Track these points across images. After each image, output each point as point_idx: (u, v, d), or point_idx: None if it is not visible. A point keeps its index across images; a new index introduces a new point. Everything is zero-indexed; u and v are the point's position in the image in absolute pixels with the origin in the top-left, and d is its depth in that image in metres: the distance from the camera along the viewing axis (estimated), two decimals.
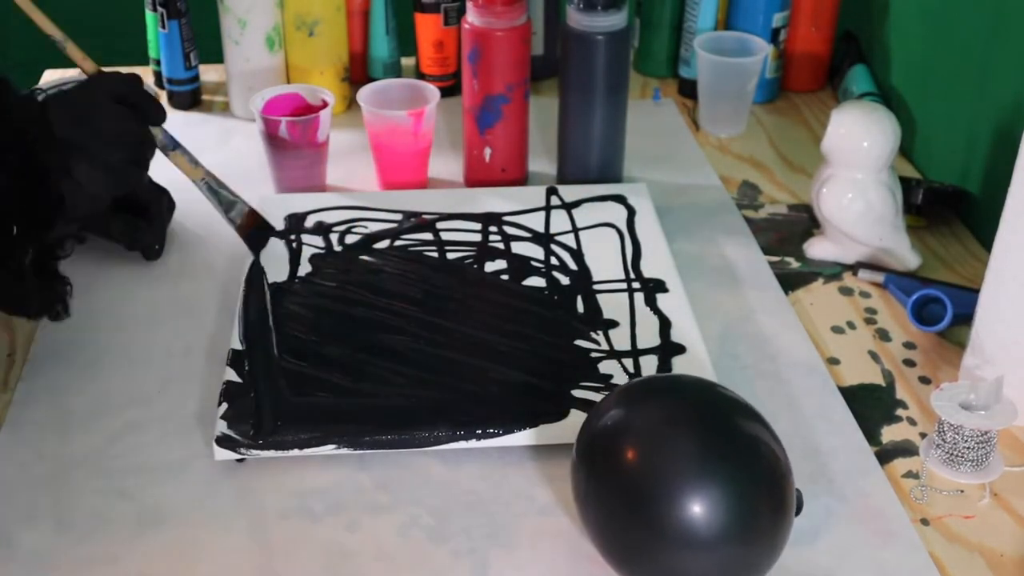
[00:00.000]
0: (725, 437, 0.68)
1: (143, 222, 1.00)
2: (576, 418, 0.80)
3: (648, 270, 0.99)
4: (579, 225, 1.06)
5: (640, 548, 0.68)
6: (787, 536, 0.69)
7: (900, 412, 0.88)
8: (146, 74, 1.28)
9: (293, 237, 1.02)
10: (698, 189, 1.17)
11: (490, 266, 1.00)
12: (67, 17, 0.96)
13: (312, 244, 1.01)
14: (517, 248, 1.02)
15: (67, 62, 0.91)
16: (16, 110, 0.82)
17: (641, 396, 0.72)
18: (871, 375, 0.92)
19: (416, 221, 1.05)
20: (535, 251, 1.02)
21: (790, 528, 0.69)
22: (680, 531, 0.66)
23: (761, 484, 0.68)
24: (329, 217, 1.05)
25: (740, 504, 0.66)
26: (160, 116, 0.91)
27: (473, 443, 0.81)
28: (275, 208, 1.06)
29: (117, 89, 0.88)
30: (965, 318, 0.91)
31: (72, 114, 0.83)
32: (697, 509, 0.65)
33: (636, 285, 0.97)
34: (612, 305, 0.95)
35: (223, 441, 0.80)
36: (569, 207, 1.08)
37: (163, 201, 1.04)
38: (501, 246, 1.02)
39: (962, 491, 0.80)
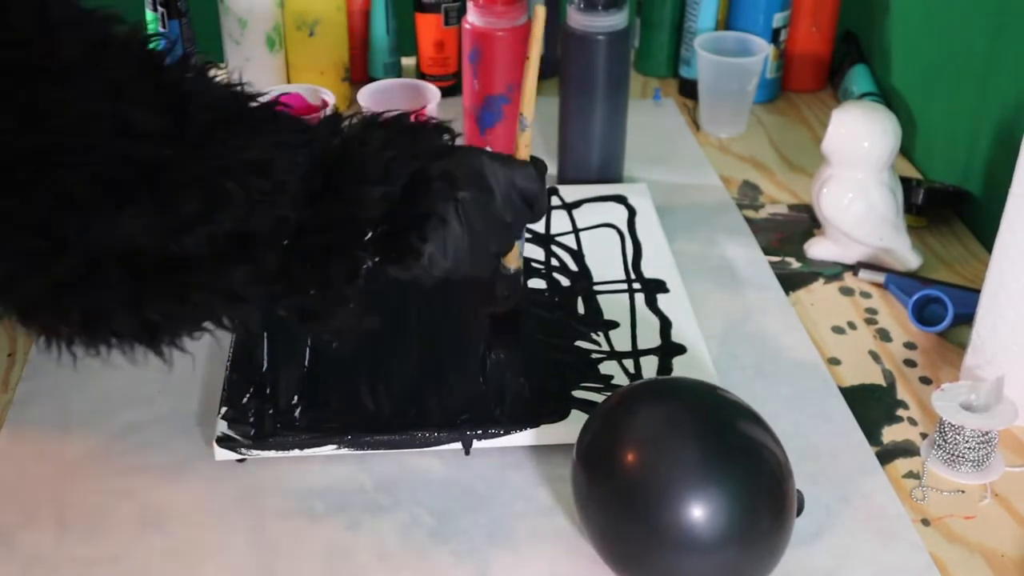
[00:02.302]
0: (725, 440, 0.68)
1: None
2: (577, 418, 0.80)
3: (649, 270, 0.99)
4: (579, 226, 1.05)
5: (640, 551, 0.68)
6: (788, 539, 0.69)
7: (901, 412, 0.88)
8: None
9: None
10: (698, 189, 1.17)
11: None
12: None
13: None
14: None
15: None
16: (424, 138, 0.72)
17: (641, 399, 0.72)
18: (872, 375, 0.92)
19: None
20: (535, 252, 1.02)
21: (791, 531, 0.69)
22: (681, 534, 0.66)
23: (762, 487, 0.67)
24: None
25: (741, 507, 0.66)
26: (542, 215, 0.78)
27: (473, 443, 0.81)
28: None
29: (529, 183, 0.76)
30: (966, 318, 0.91)
31: (478, 178, 0.72)
32: (698, 512, 0.65)
33: (637, 285, 0.97)
34: (613, 306, 0.95)
35: (223, 441, 0.80)
36: (569, 207, 1.08)
37: None
38: None
39: (963, 491, 0.80)
